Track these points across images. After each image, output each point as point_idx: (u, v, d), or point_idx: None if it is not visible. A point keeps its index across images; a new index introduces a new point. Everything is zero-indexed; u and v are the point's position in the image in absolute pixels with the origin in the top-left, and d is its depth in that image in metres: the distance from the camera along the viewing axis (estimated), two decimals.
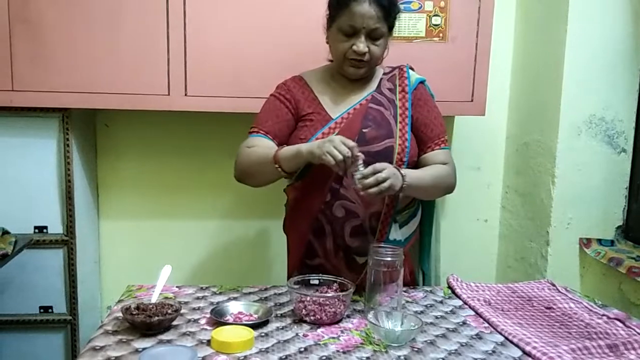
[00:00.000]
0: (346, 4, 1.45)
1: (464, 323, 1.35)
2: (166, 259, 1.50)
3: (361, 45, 1.46)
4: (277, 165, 1.41)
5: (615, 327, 1.32)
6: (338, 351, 1.17)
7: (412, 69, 1.64)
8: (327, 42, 1.55)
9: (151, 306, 1.26)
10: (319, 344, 1.20)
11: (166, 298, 1.39)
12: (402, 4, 1.94)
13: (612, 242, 2.06)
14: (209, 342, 1.17)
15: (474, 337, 1.27)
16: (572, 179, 2.05)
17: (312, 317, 1.30)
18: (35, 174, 1.96)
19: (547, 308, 1.45)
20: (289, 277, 1.65)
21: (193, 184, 2.28)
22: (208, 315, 1.31)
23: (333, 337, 1.23)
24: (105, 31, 1.86)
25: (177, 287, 1.53)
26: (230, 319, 1.29)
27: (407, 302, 1.48)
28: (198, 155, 2.25)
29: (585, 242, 2.06)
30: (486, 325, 1.34)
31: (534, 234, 2.18)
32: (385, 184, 1.32)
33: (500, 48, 2.25)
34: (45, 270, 1.99)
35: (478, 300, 1.48)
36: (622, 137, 2.04)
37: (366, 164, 1.34)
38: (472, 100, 2.02)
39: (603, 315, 1.39)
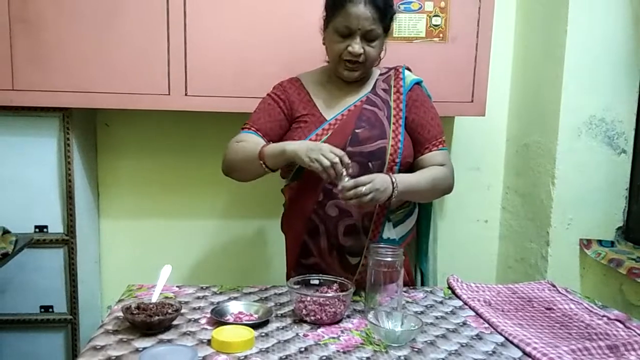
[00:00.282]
0: (342, 5, 1.45)
1: (464, 323, 1.35)
2: (166, 258, 1.50)
3: (356, 46, 1.46)
4: (261, 162, 1.42)
5: (616, 328, 1.32)
6: (338, 351, 1.17)
7: (409, 69, 1.64)
8: (324, 44, 1.55)
9: (151, 306, 1.26)
10: (319, 344, 1.20)
11: (166, 298, 1.40)
12: (402, 4, 1.94)
13: (612, 243, 2.06)
14: (209, 342, 1.17)
15: (474, 337, 1.27)
16: (572, 180, 2.05)
17: (312, 317, 1.30)
18: (35, 173, 1.96)
19: (547, 309, 1.45)
20: (287, 277, 1.65)
21: (193, 183, 2.28)
22: (208, 315, 1.31)
23: (333, 337, 1.23)
24: (106, 31, 1.86)
25: (177, 286, 1.53)
26: (230, 318, 1.29)
27: (407, 302, 1.48)
28: (198, 155, 2.25)
29: (586, 243, 2.06)
30: (486, 325, 1.34)
31: (534, 234, 2.18)
32: (366, 198, 1.34)
33: (500, 49, 2.25)
34: (45, 269, 1.99)
35: (478, 300, 1.48)
36: (622, 138, 2.04)
37: (359, 164, 1.34)
38: (472, 101, 2.02)
39: (603, 316, 1.39)
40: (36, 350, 2.03)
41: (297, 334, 1.24)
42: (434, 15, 1.97)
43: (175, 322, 1.26)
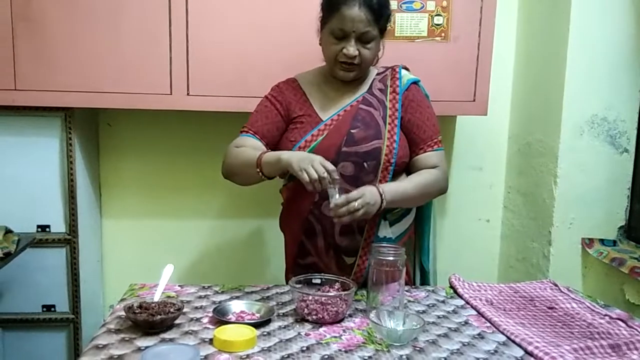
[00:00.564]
0: (337, 8, 1.45)
1: (466, 323, 1.35)
2: (168, 258, 1.50)
3: (351, 48, 1.46)
4: (258, 170, 1.44)
5: (618, 327, 1.32)
6: (340, 350, 1.17)
7: (406, 69, 1.64)
8: (320, 44, 1.55)
9: (154, 305, 1.26)
10: (321, 343, 1.20)
11: (169, 297, 1.40)
12: (404, 3, 1.94)
13: (614, 242, 2.06)
14: (211, 341, 1.17)
15: (476, 336, 1.27)
16: (574, 179, 2.04)
17: (314, 316, 1.30)
18: (38, 173, 1.97)
19: (549, 308, 1.45)
20: (285, 277, 1.66)
21: (195, 183, 2.28)
22: (210, 314, 1.31)
23: (335, 336, 1.23)
24: (108, 30, 1.87)
25: (179, 286, 1.53)
26: (232, 317, 1.29)
27: (409, 301, 1.48)
28: (200, 155, 2.25)
29: (588, 242, 2.06)
30: (488, 324, 1.34)
31: (536, 234, 2.18)
32: (358, 213, 1.35)
33: (502, 48, 2.25)
34: (48, 269, 2.00)
35: (480, 300, 1.48)
36: (624, 137, 2.04)
37: (355, 164, 1.33)
38: (474, 100, 2.02)
39: (605, 315, 1.39)
40: (38, 350, 2.04)
41: (299, 333, 1.24)
42: (436, 15, 1.96)
43: (177, 321, 1.26)
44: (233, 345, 1.14)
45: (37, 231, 1.99)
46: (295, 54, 1.87)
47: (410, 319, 1.25)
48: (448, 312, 1.42)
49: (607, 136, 2.04)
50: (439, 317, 1.39)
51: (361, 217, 1.37)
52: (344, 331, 1.26)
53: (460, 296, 1.53)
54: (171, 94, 1.91)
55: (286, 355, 1.13)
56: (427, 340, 1.23)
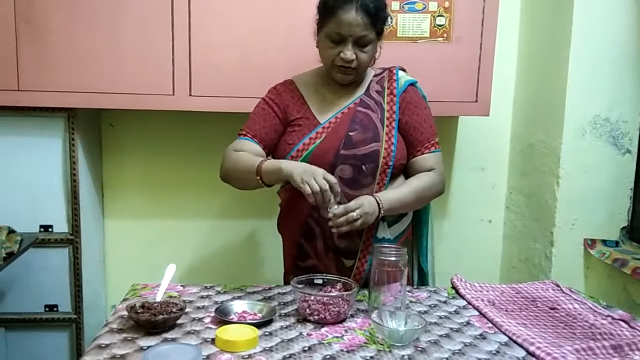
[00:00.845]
0: (333, 12, 1.44)
1: (468, 323, 1.35)
2: (171, 258, 1.50)
3: (348, 53, 1.46)
4: (258, 178, 1.44)
5: (620, 327, 1.31)
6: (342, 350, 1.17)
7: (403, 70, 1.63)
8: (317, 47, 1.55)
9: (156, 305, 1.27)
10: (323, 343, 1.20)
11: (171, 297, 1.40)
12: (406, 4, 1.94)
13: (616, 243, 2.06)
14: (213, 341, 1.17)
15: (478, 337, 1.27)
16: (576, 180, 2.04)
17: (316, 317, 1.30)
18: (40, 173, 1.97)
19: (551, 309, 1.45)
20: (284, 279, 1.66)
21: (197, 183, 2.29)
22: (212, 314, 1.31)
23: (337, 337, 1.24)
24: (110, 31, 1.87)
25: (181, 286, 1.53)
26: (234, 317, 1.29)
27: (411, 302, 1.48)
28: (202, 155, 2.25)
29: (590, 243, 2.06)
30: (490, 325, 1.34)
31: (539, 234, 2.18)
32: (357, 223, 1.37)
33: (504, 48, 2.25)
34: (50, 269, 2.00)
35: (482, 300, 1.48)
36: (626, 137, 2.04)
37: (353, 167, 1.33)
38: (476, 101, 2.02)
39: (607, 316, 1.38)
40: (41, 349, 2.04)
41: (300, 333, 1.24)
42: (438, 15, 1.96)
43: (179, 321, 1.27)
44: (235, 345, 1.14)
45: (40, 231, 2.00)
46: (298, 55, 1.87)
47: (412, 320, 1.25)
48: (450, 312, 1.42)
49: (610, 137, 2.03)
50: (440, 317, 1.38)
51: (359, 227, 1.39)
52: (345, 331, 1.27)
53: (462, 297, 1.53)
54: (173, 94, 1.92)
55: (288, 355, 1.13)
56: (429, 341, 1.23)
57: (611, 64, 2.00)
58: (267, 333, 1.23)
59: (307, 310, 1.31)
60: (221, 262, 2.35)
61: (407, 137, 1.56)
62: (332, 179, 1.35)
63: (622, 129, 2.03)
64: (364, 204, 1.38)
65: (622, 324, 1.33)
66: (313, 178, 1.33)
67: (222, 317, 1.27)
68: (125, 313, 1.28)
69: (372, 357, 1.14)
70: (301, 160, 1.48)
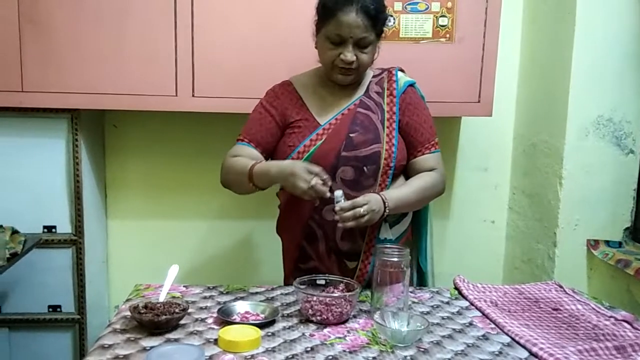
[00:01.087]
0: (333, 14, 1.44)
1: (471, 324, 1.35)
2: (174, 258, 1.50)
3: (349, 54, 1.45)
4: (251, 183, 1.45)
5: (623, 328, 1.31)
6: (344, 351, 1.17)
7: (402, 70, 1.63)
8: (316, 47, 1.54)
9: (159, 305, 1.27)
10: (325, 344, 1.20)
11: (174, 297, 1.40)
12: (409, 4, 1.94)
13: (619, 244, 2.05)
14: (216, 341, 1.17)
15: (481, 337, 1.27)
16: (579, 180, 2.04)
17: (318, 317, 1.30)
18: (44, 174, 1.98)
19: (554, 309, 1.45)
20: (285, 282, 1.65)
21: (201, 184, 2.29)
22: (215, 315, 1.31)
23: (339, 337, 1.24)
24: (114, 32, 1.88)
25: (184, 286, 1.54)
26: (237, 318, 1.29)
27: (414, 302, 1.48)
28: (205, 156, 2.26)
29: (593, 244, 2.05)
30: (493, 326, 1.34)
31: (541, 235, 2.17)
32: (363, 219, 1.37)
33: (507, 49, 2.24)
34: (54, 269, 2.01)
35: (485, 301, 1.48)
36: (630, 138, 2.03)
37: (354, 168, 1.34)
38: (479, 101, 2.02)
39: (610, 317, 1.38)
40: (44, 350, 2.05)
41: (303, 334, 1.24)
42: (441, 16, 1.96)
43: (182, 322, 1.27)
44: (238, 346, 1.14)
45: (43, 232, 2.00)
46: (300, 55, 1.86)
47: (415, 320, 1.25)
48: (452, 313, 1.42)
49: (613, 137, 2.03)
50: (443, 318, 1.38)
51: (364, 224, 1.38)
52: (348, 332, 1.27)
53: (465, 297, 1.53)
54: (176, 95, 1.92)
55: (290, 356, 1.13)
56: (432, 341, 1.23)
57: (614, 64, 1.99)
58: (269, 334, 1.23)
59: (310, 310, 1.31)
60: (224, 262, 2.35)
61: (407, 137, 1.56)
62: (316, 168, 1.35)
63: (625, 129, 2.03)
64: (371, 201, 1.38)
65: (625, 324, 1.33)
66: (297, 179, 1.34)
67: (224, 318, 1.27)
68: (128, 313, 1.28)
69: (374, 358, 1.14)
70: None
